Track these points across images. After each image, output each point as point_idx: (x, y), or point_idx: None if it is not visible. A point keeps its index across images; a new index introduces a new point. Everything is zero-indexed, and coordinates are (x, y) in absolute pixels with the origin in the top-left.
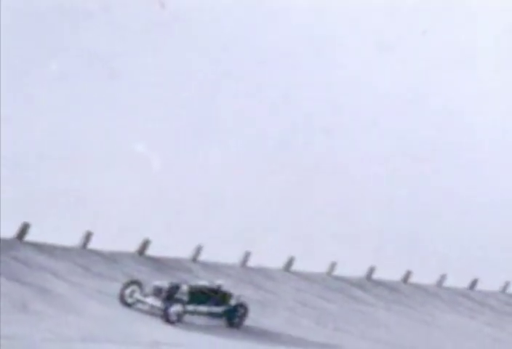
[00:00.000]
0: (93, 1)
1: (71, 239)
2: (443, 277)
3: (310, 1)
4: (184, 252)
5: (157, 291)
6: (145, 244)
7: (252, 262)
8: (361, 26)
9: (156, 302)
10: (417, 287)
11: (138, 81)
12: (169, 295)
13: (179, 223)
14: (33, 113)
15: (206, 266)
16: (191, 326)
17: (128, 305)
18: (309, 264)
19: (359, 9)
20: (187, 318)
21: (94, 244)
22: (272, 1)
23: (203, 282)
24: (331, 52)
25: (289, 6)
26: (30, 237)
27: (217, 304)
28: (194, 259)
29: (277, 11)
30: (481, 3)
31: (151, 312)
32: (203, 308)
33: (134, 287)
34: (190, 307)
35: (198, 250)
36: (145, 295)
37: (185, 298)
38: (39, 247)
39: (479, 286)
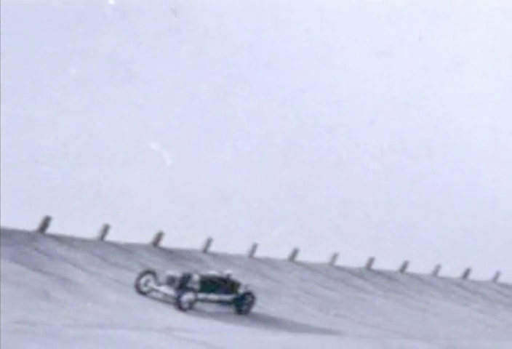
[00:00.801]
0: (111, 9)
1: (90, 232)
2: (438, 267)
3: (314, 11)
4: (195, 244)
5: (170, 281)
6: (159, 236)
7: (258, 253)
8: (361, 34)
9: (169, 291)
10: (414, 276)
11: (153, 84)
12: (182, 284)
13: (191, 217)
14: (56, 113)
15: (216, 257)
16: (202, 313)
17: (143, 294)
18: (312, 255)
19: (360, 18)
20: (198, 305)
21: (111, 236)
22: (279, 10)
23: (213, 272)
24: (334, 58)
25: (295, 15)
26: (51, 230)
27: (227, 292)
28: (205, 251)
29: (284, 20)
30: (473, 12)
31: (165, 300)
32: (213, 296)
33: (148, 277)
34: (201, 296)
35: (209, 242)
36: (159, 284)
37: (197, 287)
38: (60, 239)
39: (472, 276)
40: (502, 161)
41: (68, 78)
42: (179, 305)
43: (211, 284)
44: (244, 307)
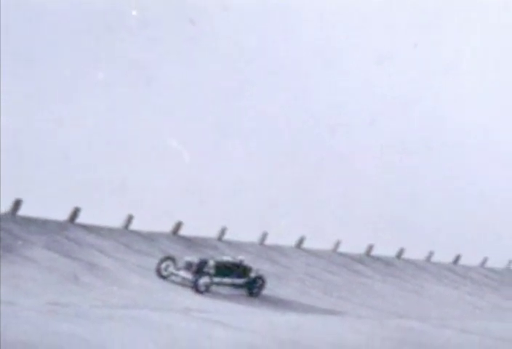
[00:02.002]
0: (134, 19)
1: (115, 221)
2: (431, 253)
3: (319, 21)
4: (211, 232)
5: (188, 266)
6: (178, 226)
7: (268, 241)
8: (362, 41)
9: (187, 275)
10: (409, 262)
11: (172, 87)
12: (199, 269)
13: (207, 208)
14: (85, 113)
15: (230, 244)
16: (217, 295)
17: (163, 278)
18: (317, 242)
19: (361, 27)
20: (213, 288)
21: (134, 226)
22: (286, 20)
23: (227, 258)
24: (336, 63)
25: (301, 25)
26: (80, 219)
27: (239, 276)
28: (219, 239)
29: (290, 29)
30: (463, 21)
31: (183, 283)
32: (227, 280)
33: (168, 262)
34: (216, 279)
35: (223, 231)
36: (178, 269)
37: (212, 271)
38: (88, 228)
39: (462, 261)
40: (491, 158)
41: (96, 82)
42: (196, 288)
43: (225, 269)
44: (255, 290)
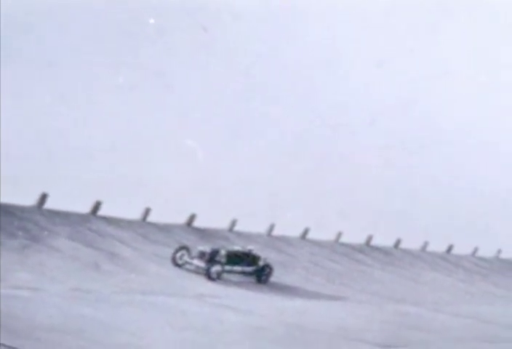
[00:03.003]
0: (152, 27)
1: (134, 214)
2: (425, 243)
3: (322, 28)
4: (222, 224)
5: (201, 255)
6: (192, 218)
7: (275, 232)
8: (362, 47)
9: (201, 264)
10: (405, 252)
11: (187, 91)
12: (211, 258)
13: (218, 201)
14: (106, 115)
15: (240, 235)
16: (228, 282)
17: (178, 266)
18: (320, 233)
19: (361, 34)
20: (224, 276)
21: (151, 218)
22: (292, 28)
23: (237, 247)
24: (338, 67)
25: (306, 32)
26: (101, 212)
27: (249, 264)
28: (230, 230)
29: (296, 36)
30: (455, 29)
31: (196, 271)
32: (237, 268)
33: (183, 251)
34: (227, 267)
35: (234, 223)
36: (192, 258)
37: (223, 260)
38: (109, 220)
39: (454, 251)
40: (480, 155)
41: (117, 85)
42: (208, 276)
43: (235, 258)
44: (263, 277)
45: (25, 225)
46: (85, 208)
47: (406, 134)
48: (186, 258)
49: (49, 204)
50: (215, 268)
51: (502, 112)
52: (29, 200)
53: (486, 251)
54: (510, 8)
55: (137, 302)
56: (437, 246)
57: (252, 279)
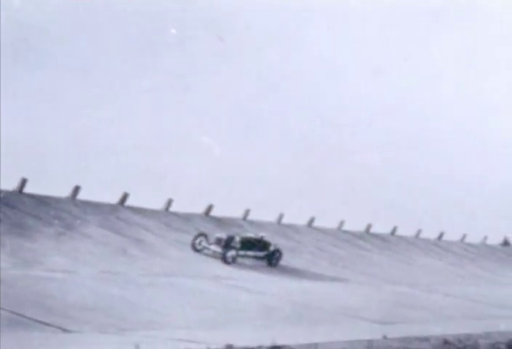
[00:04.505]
0: (173, 36)
1: (157, 204)
2: (419, 231)
3: (326, 38)
4: (237, 213)
5: (218, 241)
6: (210, 208)
7: (284, 221)
8: (361, 55)
9: (217, 249)
10: (401, 238)
11: (205, 93)
12: (227, 244)
13: (233, 193)
14: (131, 116)
15: (253, 223)
16: (242, 266)
17: (197, 251)
18: (325, 222)
19: (360, 44)
20: (239, 260)
21: (173, 208)
22: (299, 38)
23: (250, 234)
24: (340, 73)
25: (312, 41)
26: (128, 203)
27: (260, 250)
28: (244, 219)
29: (303, 45)
30: (444, 39)
31: (214, 256)
32: (250, 253)
33: (201, 238)
34: (241, 252)
35: (247, 212)
36: (210, 244)
37: (238, 246)
38: (135, 210)
39: (445, 237)
40: (466, 151)
41: (141, 88)
42: (224, 260)
43: (249, 244)
44: (274, 261)
45: (60, 215)
46: (114, 199)
47: (401, 133)
48: (204, 244)
49: (81, 196)
50: (230, 253)
51: (487, 113)
52: (64, 192)
53: (474, 237)
54: (494, 20)
55: (160, 283)
56: (429, 233)
57: (264, 263)
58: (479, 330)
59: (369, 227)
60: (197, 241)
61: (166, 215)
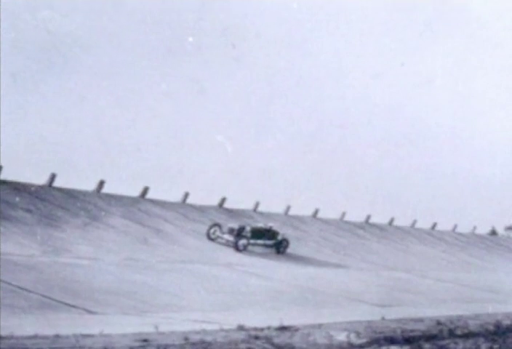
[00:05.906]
0: (190, 44)
1: (175, 197)
2: (414, 221)
3: (329, 45)
4: (248, 205)
5: (230, 231)
6: (223, 200)
7: (291, 212)
8: (361, 61)
9: (230, 238)
10: (398, 228)
11: (219, 96)
12: (238, 233)
13: (245, 187)
14: (151, 117)
15: (262, 215)
16: (253, 253)
17: (211, 240)
18: (328, 213)
19: (359, 50)
20: (250, 248)
21: (190, 200)
22: (305, 46)
23: (260, 224)
24: (342, 77)
25: (316, 48)
26: (149, 195)
27: (269, 239)
28: (254, 210)
29: (308, 53)
30: (438, 45)
31: (227, 244)
32: (260, 241)
33: (215, 228)
34: (252, 241)
35: (257, 204)
36: (223, 233)
37: (249, 235)
38: (155, 202)
39: (438, 227)
40: (456, 148)
41: (160, 92)
42: (236, 248)
43: (258, 233)
44: (281, 249)
45: (86, 207)
46: (135, 192)
47: (398, 131)
48: (218, 233)
49: (106, 189)
50: (242, 242)
51: (475, 113)
52: (90, 186)
53: (464, 227)
54: (483, 28)
55: (178, 269)
56: (424, 224)
57: (272, 251)
58: (469, 312)
59: (368, 217)
60: (211, 230)
61: (183, 207)
